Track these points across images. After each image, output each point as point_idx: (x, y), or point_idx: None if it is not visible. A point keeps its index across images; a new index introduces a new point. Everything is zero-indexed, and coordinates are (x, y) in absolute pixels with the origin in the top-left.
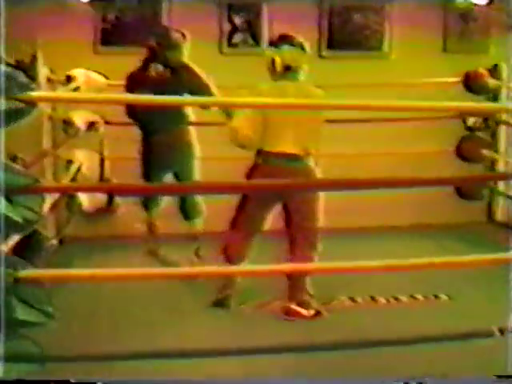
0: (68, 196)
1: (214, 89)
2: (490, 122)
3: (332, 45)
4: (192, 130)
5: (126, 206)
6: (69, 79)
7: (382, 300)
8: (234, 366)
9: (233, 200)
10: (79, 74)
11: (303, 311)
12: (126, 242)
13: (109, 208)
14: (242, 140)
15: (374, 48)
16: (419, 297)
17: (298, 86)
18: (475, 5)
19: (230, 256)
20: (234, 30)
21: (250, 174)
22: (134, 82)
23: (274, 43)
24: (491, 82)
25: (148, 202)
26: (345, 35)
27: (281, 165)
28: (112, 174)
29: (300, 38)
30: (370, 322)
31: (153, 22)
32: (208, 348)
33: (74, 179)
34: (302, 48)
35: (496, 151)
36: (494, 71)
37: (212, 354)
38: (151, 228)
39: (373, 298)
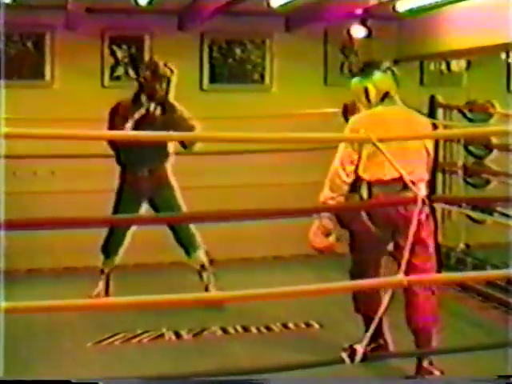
0: None
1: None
2: None
3: (213, 78)
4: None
5: None
6: None
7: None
8: None
9: None
10: None
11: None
12: None
13: None
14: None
15: (255, 81)
16: (291, 325)
17: (396, 112)
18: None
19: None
20: (117, 63)
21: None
22: (123, 114)
23: (362, 72)
24: None
25: (108, 250)
26: (226, 69)
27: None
28: None
29: (386, 62)
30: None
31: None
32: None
33: None
34: (392, 71)
35: None
36: None
37: None
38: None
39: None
